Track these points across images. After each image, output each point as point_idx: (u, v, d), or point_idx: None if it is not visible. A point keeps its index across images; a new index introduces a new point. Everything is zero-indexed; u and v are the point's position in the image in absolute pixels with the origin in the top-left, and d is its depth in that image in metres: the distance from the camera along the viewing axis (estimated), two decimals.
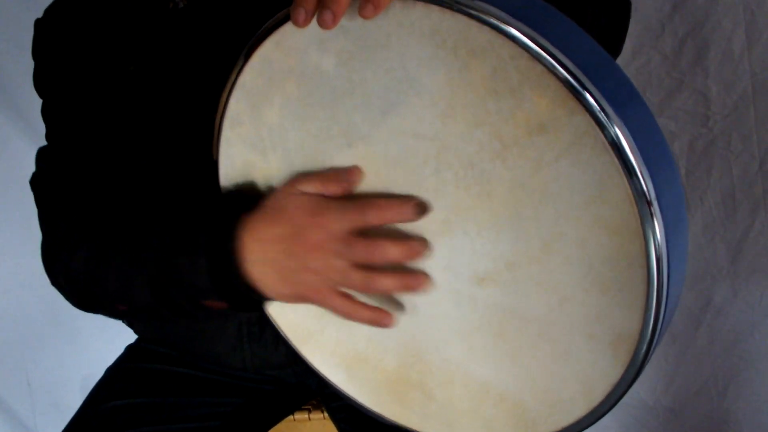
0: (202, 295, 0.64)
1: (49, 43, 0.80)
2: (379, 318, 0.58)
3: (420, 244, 0.55)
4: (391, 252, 0.55)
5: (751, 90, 1.17)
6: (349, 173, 0.57)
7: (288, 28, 0.54)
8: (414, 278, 0.56)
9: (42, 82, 0.82)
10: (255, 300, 0.62)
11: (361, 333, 0.63)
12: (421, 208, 0.54)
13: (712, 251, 1.26)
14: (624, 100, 0.48)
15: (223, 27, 0.76)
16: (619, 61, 0.52)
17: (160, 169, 0.79)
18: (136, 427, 0.82)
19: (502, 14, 0.46)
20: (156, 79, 0.76)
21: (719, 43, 1.16)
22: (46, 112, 0.82)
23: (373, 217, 0.55)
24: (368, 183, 0.57)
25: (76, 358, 1.56)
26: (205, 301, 0.64)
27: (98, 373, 0.91)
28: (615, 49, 0.72)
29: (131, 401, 0.85)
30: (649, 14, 1.18)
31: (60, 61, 0.80)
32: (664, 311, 0.49)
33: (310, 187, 0.58)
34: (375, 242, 0.55)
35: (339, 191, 0.57)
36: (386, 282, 0.56)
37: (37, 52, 0.82)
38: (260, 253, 0.59)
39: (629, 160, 0.46)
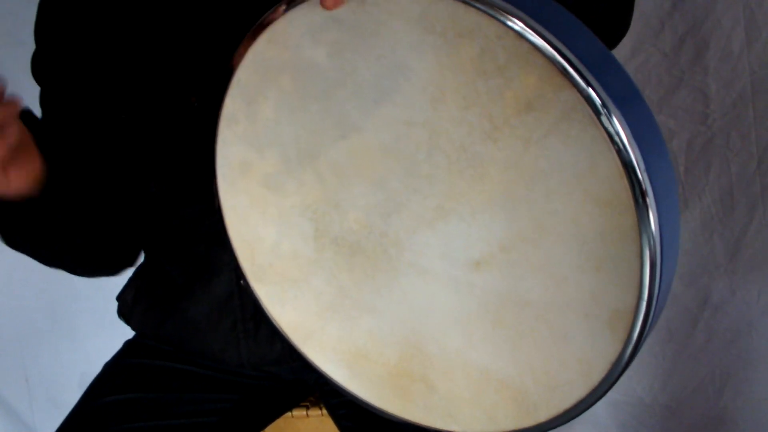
0: None
1: (52, 27, 0.81)
2: None
3: None
4: None
5: (750, 88, 1.17)
6: None
7: (281, 24, 0.55)
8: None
9: (41, 66, 0.82)
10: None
11: (361, 328, 0.63)
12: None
13: (709, 249, 1.26)
14: (608, 72, 0.48)
15: (211, 21, 0.76)
16: (619, 58, 0.52)
17: (156, 163, 0.79)
18: (134, 422, 0.82)
19: None
20: (154, 76, 0.77)
21: (718, 41, 1.16)
22: (43, 99, 0.82)
23: None
24: (363, 173, 0.57)
25: (74, 354, 1.56)
26: None
27: (96, 369, 0.91)
28: (617, 34, 0.72)
29: (129, 397, 0.85)
30: (649, 12, 1.18)
31: (61, 48, 0.80)
32: (659, 285, 0.49)
33: None
34: None
35: None
36: None
37: (39, 34, 0.82)
38: None
39: (618, 133, 0.46)
